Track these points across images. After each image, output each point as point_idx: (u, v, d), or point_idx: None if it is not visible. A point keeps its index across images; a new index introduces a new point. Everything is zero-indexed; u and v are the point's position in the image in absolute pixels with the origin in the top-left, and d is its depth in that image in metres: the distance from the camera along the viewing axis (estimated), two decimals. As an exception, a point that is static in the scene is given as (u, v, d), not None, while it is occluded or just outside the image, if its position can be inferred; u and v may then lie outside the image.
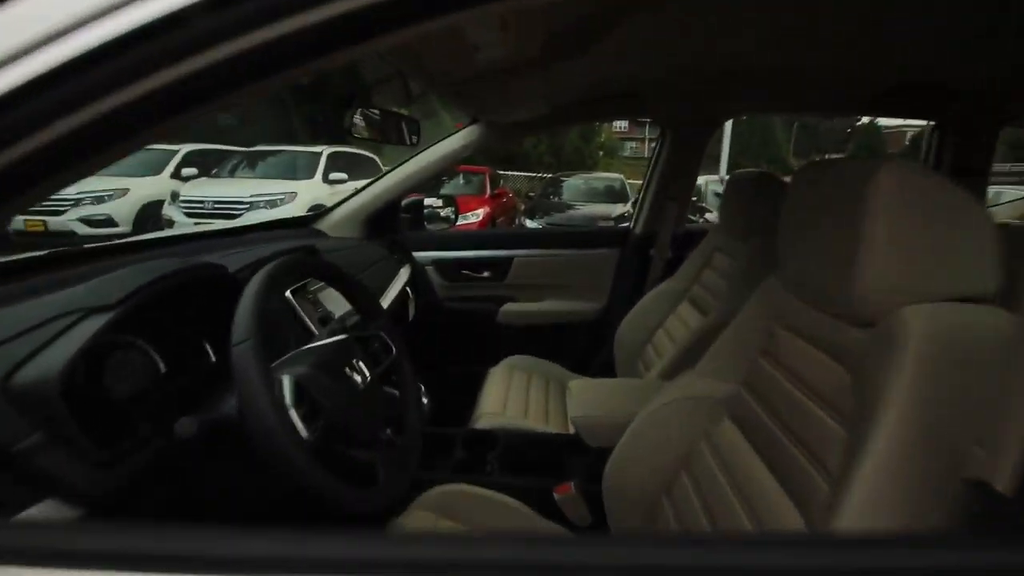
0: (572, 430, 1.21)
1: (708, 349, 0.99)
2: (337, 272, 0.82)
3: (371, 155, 7.81)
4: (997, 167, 1.92)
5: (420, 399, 0.90)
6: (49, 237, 5.99)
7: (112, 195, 6.46)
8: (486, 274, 1.99)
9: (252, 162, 7.33)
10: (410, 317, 1.83)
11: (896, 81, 1.49)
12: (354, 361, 0.76)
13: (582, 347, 2.01)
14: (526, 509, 1.06)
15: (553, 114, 1.63)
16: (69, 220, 6.19)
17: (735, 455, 0.79)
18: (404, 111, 1.28)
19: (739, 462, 0.77)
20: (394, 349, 0.91)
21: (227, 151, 7.79)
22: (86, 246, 1.06)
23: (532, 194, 8.85)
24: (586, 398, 1.24)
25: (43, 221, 6.15)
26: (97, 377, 0.66)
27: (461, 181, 7.99)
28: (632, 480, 0.93)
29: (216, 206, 6.16)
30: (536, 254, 1.98)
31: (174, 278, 0.73)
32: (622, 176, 8.87)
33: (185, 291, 0.79)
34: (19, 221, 6.18)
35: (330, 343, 0.78)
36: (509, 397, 1.50)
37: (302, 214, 1.91)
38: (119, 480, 0.59)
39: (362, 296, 0.88)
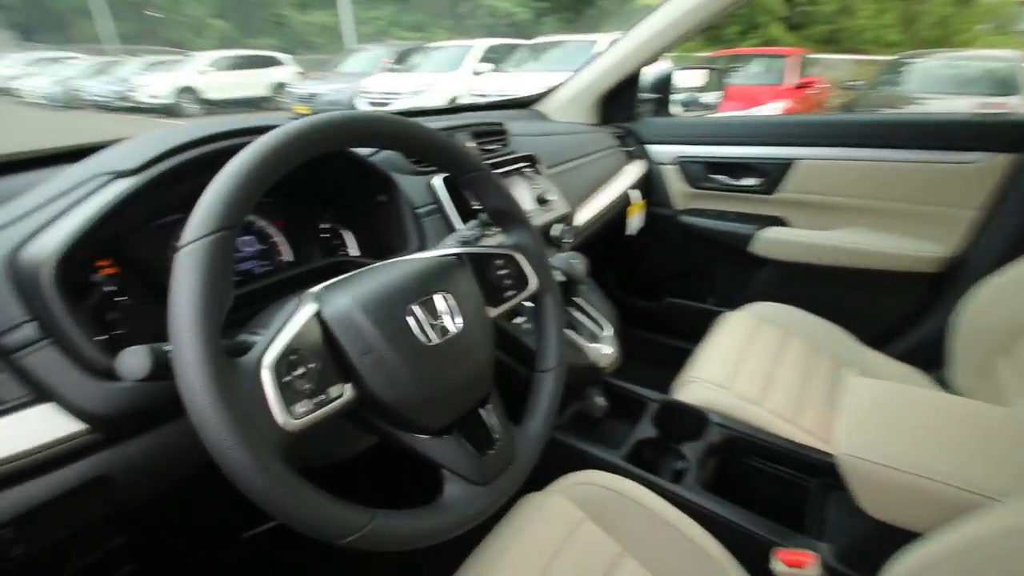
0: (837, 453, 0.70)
1: None
2: (439, 144, 0.51)
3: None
4: None
5: (562, 371, 0.57)
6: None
7: (424, 91, 7.45)
8: (748, 181, 1.41)
9: (536, 55, 7.48)
10: (630, 229, 1.44)
11: None
12: (444, 299, 0.48)
13: (889, 312, 1.30)
14: (725, 556, 0.67)
15: None
16: (397, 113, 7.50)
17: None
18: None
19: None
20: (533, 282, 0.59)
21: (514, 44, 8.07)
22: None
23: (855, 83, 6.36)
24: (875, 422, 0.68)
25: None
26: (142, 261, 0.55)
27: (756, 68, 6.48)
28: None
29: (502, 100, 6.55)
30: (837, 156, 1.29)
31: (229, 138, 0.55)
32: (1015, 54, 5.65)
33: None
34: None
35: (421, 260, 0.51)
36: (742, 363, 1.03)
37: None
38: (128, 401, 0.46)
39: (492, 190, 0.56)
